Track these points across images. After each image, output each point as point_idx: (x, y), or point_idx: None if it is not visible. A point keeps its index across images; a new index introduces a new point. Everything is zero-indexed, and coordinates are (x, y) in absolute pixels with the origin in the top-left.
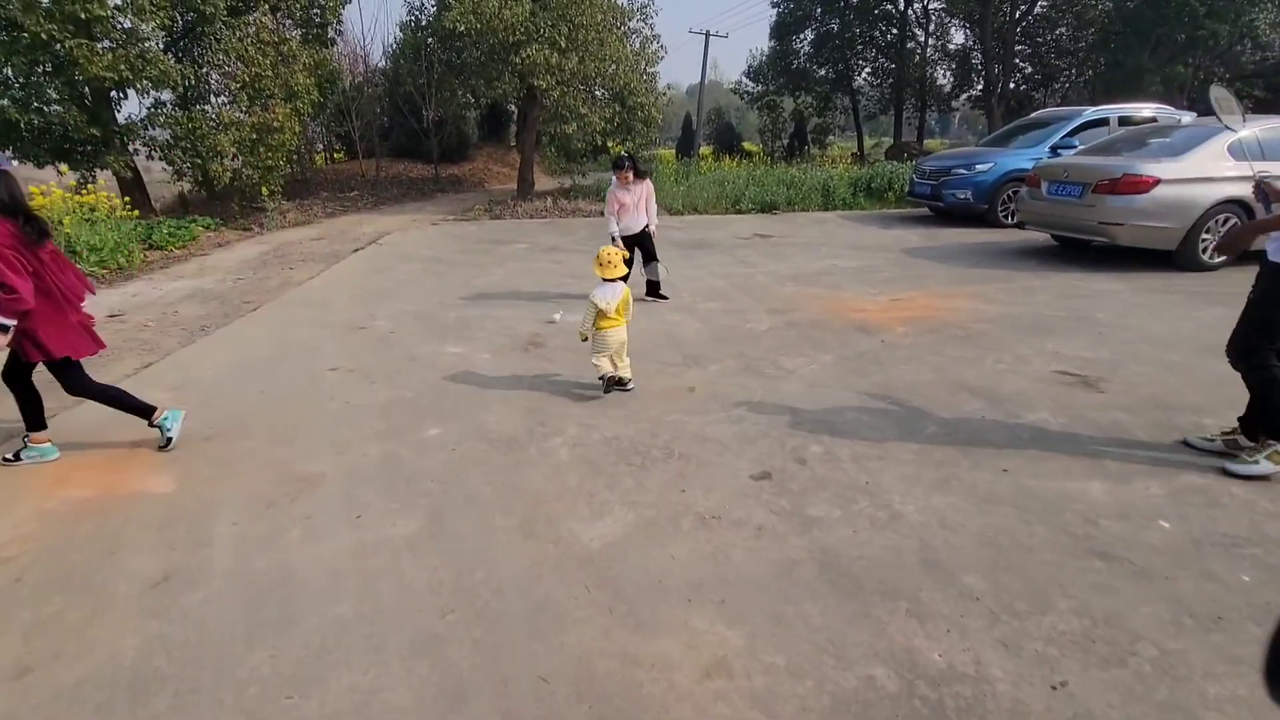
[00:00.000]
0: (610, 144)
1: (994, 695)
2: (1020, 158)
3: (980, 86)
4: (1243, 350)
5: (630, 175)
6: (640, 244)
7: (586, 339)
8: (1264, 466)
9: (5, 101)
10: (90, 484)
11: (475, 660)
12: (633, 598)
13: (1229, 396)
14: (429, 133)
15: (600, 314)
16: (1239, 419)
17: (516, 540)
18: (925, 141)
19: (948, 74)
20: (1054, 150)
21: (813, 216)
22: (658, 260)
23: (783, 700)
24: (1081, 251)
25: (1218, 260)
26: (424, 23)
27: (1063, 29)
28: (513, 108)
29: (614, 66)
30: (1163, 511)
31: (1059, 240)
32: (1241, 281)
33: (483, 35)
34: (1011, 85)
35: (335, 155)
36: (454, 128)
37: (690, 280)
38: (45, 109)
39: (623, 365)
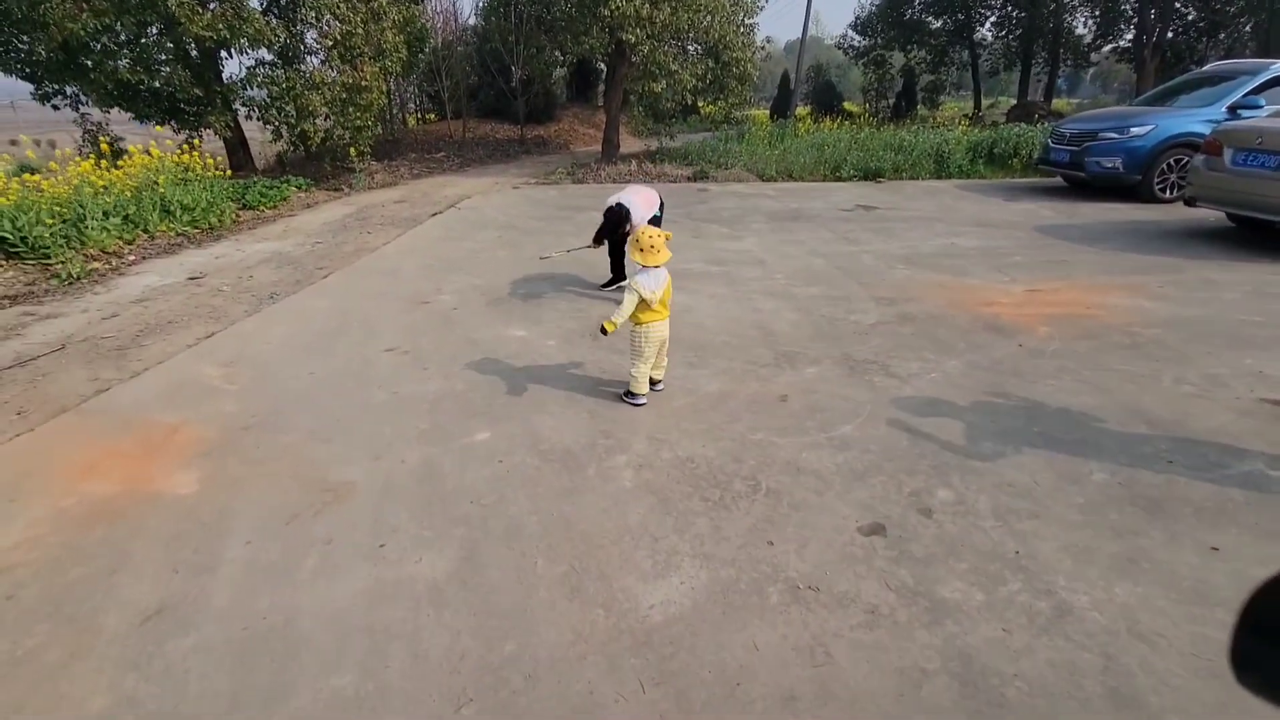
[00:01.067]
0: (701, 104)
1: None
2: (1189, 119)
3: (1130, 36)
4: None
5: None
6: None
7: (610, 333)
8: None
9: (123, 62)
10: (116, 476)
11: None
12: (700, 709)
13: None
14: (516, 93)
15: (643, 305)
16: None
17: (560, 599)
18: (1053, 101)
19: (1089, 22)
20: (1232, 111)
21: (924, 186)
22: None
23: None
24: (1271, 237)
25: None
26: None
27: None
28: (601, 65)
29: (708, 18)
30: None
31: (1237, 222)
32: None
33: None
34: (1170, 35)
35: (428, 116)
36: (541, 87)
37: (785, 259)
38: (159, 70)
39: (663, 364)
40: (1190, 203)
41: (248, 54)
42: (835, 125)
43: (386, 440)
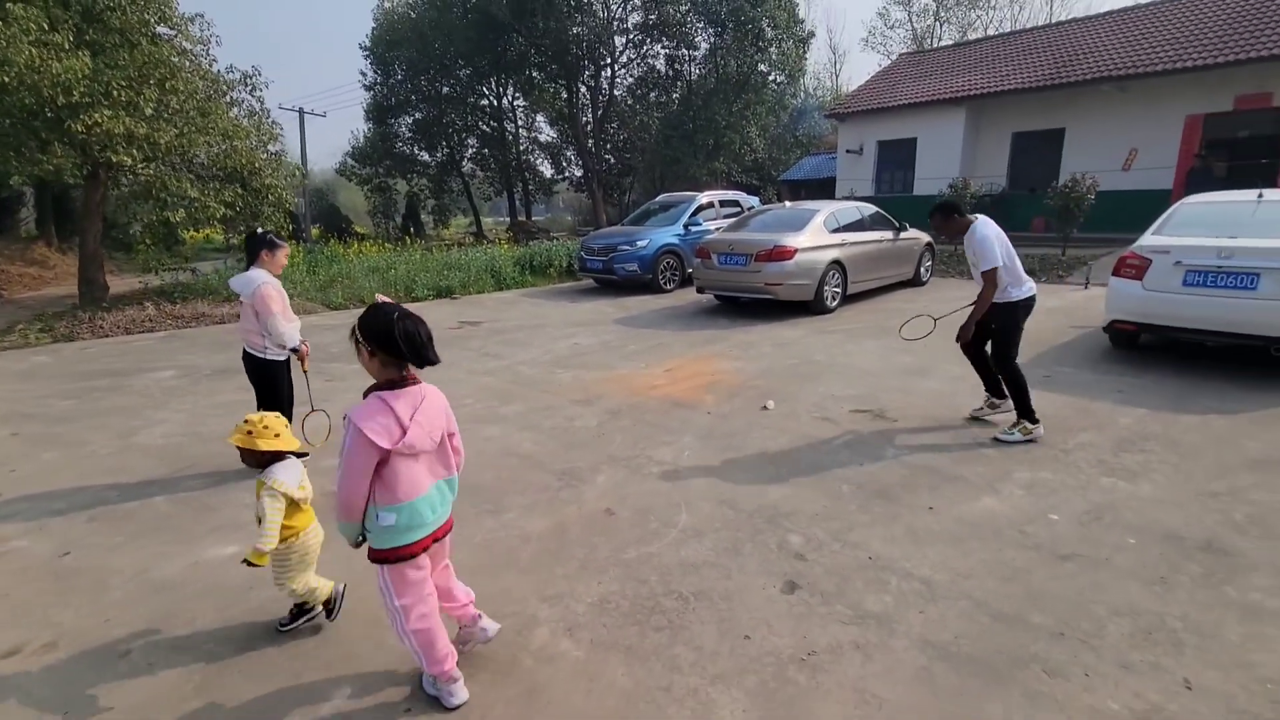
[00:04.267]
0: (222, 233)
1: None
2: (666, 234)
3: (579, 173)
4: (1000, 360)
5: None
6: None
7: (260, 563)
8: (1017, 436)
9: None
10: None
11: None
12: None
13: (957, 397)
14: None
15: (291, 505)
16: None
17: None
18: (536, 219)
19: (544, 162)
20: (686, 228)
21: (498, 298)
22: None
23: None
24: (739, 307)
25: (833, 305)
26: None
27: (627, 134)
28: (25, 188)
29: (227, 143)
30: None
31: (721, 300)
32: (853, 317)
33: (11, 92)
34: (605, 173)
35: None
36: None
37: (455, 383)
38: None
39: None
40: (701, 291)
41: None
42: (378, 248)
43: None
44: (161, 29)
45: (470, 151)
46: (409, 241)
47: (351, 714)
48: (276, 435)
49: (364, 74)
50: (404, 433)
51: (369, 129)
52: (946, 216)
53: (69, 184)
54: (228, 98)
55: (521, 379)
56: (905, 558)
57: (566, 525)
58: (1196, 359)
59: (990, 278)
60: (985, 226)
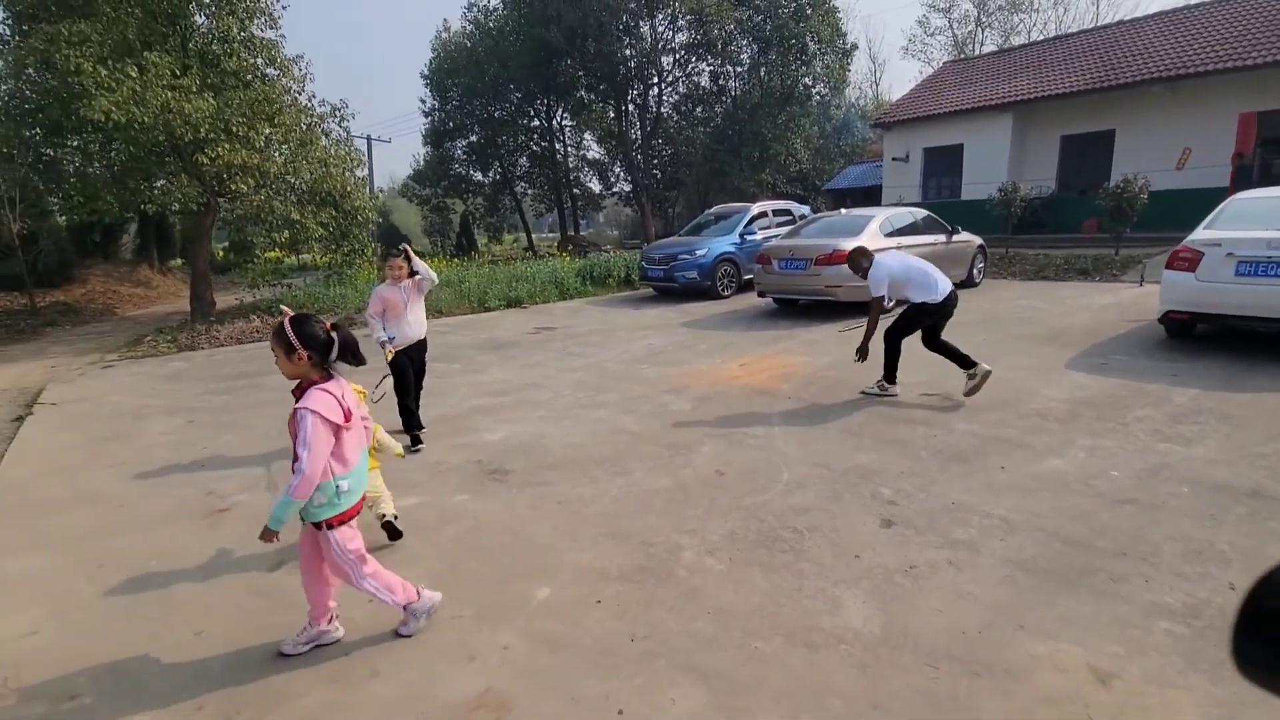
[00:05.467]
0: (318, 253)
1: None
2: (723, 243)
3: (627, 188)
4: (894, 333)
5: (406, 268)
6: (416, 361)
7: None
8: (875, 390)
9: None
10: None
11: None
12: None
13: (1018, 382)
14: (16, 251)
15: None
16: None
17: None
18: (583, 233)
19: (592, 178)
20: (742, 236)
21: (564, 307)
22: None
23: None
24: (798, 309)
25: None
26: (25, 108)
27: (673, 149)
28: (129, 216)
29: (323, 168)
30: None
31: (779, 303)
32: None
33: (148, 130)
34: (651, 186)
35: None
36: (52, 243)
37: (551, 378)
38: None
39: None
40: (762, 294)
41: None
42: (451, 263)
43: None
44: (269, 70)
45: (521, 170)
46: (474, 257)
47: (557, 604)
48: None
49: (423, 101)
50: (347, 410)
51: (428, 152)
52: (853, 260)
53: (176, 211)
54: (320, 128)
55: (609, 374)
56: (983, 503)
57: (685, 483)
58: (1248, 346)
59: (873, 304)
60: (878, 269)
